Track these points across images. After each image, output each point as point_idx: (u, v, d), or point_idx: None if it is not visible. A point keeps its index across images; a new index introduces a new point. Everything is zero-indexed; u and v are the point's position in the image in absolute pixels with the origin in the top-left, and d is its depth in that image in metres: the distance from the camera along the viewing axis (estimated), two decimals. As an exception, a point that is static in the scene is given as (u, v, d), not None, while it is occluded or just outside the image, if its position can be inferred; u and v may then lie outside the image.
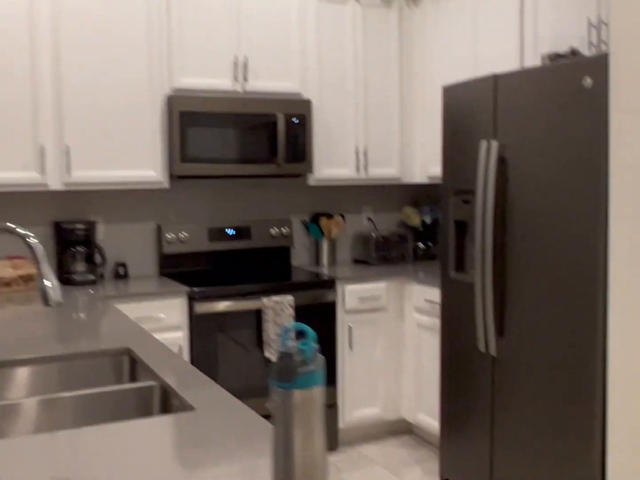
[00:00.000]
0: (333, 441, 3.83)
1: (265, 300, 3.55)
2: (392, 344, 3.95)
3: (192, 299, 3.46)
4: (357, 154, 4.13)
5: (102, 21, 3.50)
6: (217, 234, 4.06)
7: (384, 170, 4.22)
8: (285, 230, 4.22)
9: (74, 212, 3.81)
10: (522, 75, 2.79)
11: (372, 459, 3.71)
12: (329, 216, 4.38)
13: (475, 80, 3.04)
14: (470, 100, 3.08)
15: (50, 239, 3.76)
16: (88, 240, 3.71)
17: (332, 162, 4.07)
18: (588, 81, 2.48)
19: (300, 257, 4.38)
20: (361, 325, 3.86)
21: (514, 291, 2.85)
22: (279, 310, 3.57)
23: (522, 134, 2.78)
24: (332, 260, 4.31)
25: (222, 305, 3.49)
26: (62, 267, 3.67)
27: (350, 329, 3.82)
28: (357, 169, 4.13)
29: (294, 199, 4.35)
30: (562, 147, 2.60)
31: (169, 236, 3.93)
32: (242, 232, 4.12)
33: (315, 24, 3.97)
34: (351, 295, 3.81)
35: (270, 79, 3.87)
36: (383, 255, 4.31)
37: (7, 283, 3.42)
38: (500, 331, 2.93)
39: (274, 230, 4.19)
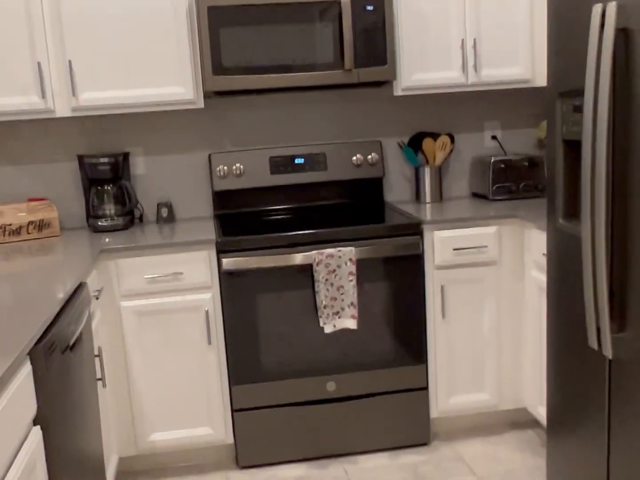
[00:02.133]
0: (423, 434, 2.92)
1: (315, 254, 2.67)
2: (507, 309, 2.89)
3: (220, 252, 2.69)
4: (463, 49, 3.00)
5: None
6: (282, 164, 3.20)
7: (504, 70, 3.05)
8: (372, 157, 3.25)
9: (107, 143, 3.17)
10: None
11: (469, 465, 2.75)
12: (435, 136, 3.32)
13: None
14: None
15: (76, 176, 3.17)
16: (118, 177, 3.06)
17: (427, 63, 3.00)
18: None
19: (397, 191, 3.40)
20: (459, 286, 2.84)
21: (643, 257, 1.70)
22: (334, 266, 2.67)
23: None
24: (438, 195, 3.28)
25: (256, 260, 2.68)
26: (89, 210, 3.07)
27: (442, 290, 2.82)
28: (464, 70, 3.01)
29: (384, 115, 3.33)
30: None
31: (222, 169, 3.16)
32: (314, 161, 3.23)
33: None
34: (444, 244, 2.80)
35: (334, -46, 2.86)
36: (507, 187, 3.19)
37: (16, 231, 2.88)
38: (619, 323, 1.81)
39: (357, 157, 3.24)
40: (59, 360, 1.75)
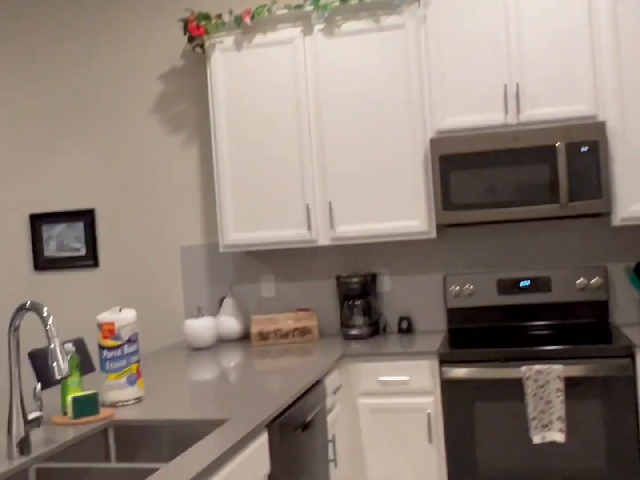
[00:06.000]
0: None
1: (524, 370, 2.97)
2: None
3: (442, 362, 3.12)
4: (682, 181, 3.16)
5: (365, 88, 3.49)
6: (508, 286, 3.57)
7: None
8: (596, 281, 3.46)
9: (362, 265, 3.83)
10: None
11: None
12: (663, 262, 3.43)
13: None
14: None
15: (334, 292, 3.85)
16: (366, 293, 3.68)
17: (646, 195, 3.20)
18: None
19: (626, 314, 3.53)
20: (675, 410, 2.91)
21: None
22: (543, 382, 2.94)
23: None
24: (665, 319, 3.36)
25: (472, 372, 3.05)
26: (342, 320, 3.71)
27: (656, 413, 2.91)
28: (685, 201, 3.16)
29: (608, 242, 3.54)
30: None
31: (454, 288, 3.62)
32: (539, 284, 3.53)
33: (612, 28, 3.22)
34: (655, 368, 2.91)
35: (552, 104, 3.27)
36: None
37: (284, 335, 3.62)
38: None
39: (581, 281, 3.48)
40: (292, 436, 2.33)
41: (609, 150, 3.21)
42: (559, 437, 2.93)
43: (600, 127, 3.16)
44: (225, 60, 3.63)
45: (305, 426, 2.48)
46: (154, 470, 1.73)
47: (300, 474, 2.41)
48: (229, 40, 3.62)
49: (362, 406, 3.21)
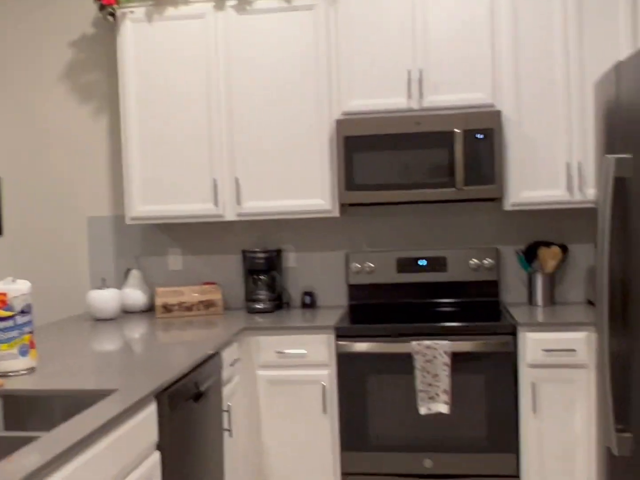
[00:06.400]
0: (514, 520, 3.18)
1: (414, 344, 3.13)
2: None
3: (338, 337, 3.25)
4: (568, 171, 3.36)
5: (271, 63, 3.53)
6: (407, 264, 3.72)
7: (609, 189, 3.34)
8: (488, 262, 3.65)
9: (269, 241, 3.90)
10: (645, 60, 1.94)
11: None
12: (550, 245, 3.65)
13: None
14: (614, 95, 2.25)
15: (241, 266, 3.92)
16: (271, 268, 3.76)
17: (536, 182, 3.39)
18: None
19: (515, 294, 3.74)
20: (550, 384, 3.12)
21: (643, 368, 1.98)
22: (430, 356, 3.11)
23: (647, 143, 1.93)
24: (549, 299, 3.57)
25: (366, 346, 3.19)
26: (247, 294, 3.79)
27: (533, 387, 3.12)
28: (570, 189, 3.36)
29: (503, 225, 3.74)
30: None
31: (356, 266, 3.75)
32: (436, 263, 3.70)
33: (510, 19, 3.36)
34: (534, 345, 3.11)
35: (452, 92, 3.41)
36: (616, 296, 3.41)
37: (189, 307, 3.67)
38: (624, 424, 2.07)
39: (474, 262, 3.66)
40: (183, 407, 2.40)
41: (503, 138, 3.38)
42: (443, 408, 3.10)
43: (496, 115, 3.32)
44: (135, 31, 3.61)
45: (198, 397, 2.55)
46: (35, 438, 1.78)
47: (191, 443, 2.49)
48: (140, 11, 3.59)
49: (260, 377, 3.31)
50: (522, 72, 3.37)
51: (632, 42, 3.28)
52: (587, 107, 3.33)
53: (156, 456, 2.19)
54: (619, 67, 2.16)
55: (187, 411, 2.46)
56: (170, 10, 3.58)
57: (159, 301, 3.65)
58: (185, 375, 2.47)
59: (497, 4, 3.38)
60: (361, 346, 3.21)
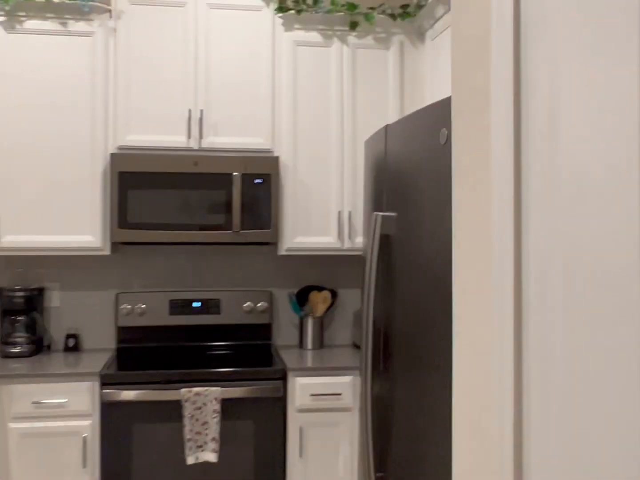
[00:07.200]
0: None
1: (184, 392, 3.03)
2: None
3: (103, 384, 3.05)
4: (340, 220, 3.50)
5: (42, 83, 3.29)
6: (180, 306, 3.62)
7: (376, 239, 3.53)
8: (262, 304, 3.67)
9: (32, 278, 3.60)
10: (406, 121, 2.07)
11: None
12: (321, 290, 3.76)
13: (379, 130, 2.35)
14: (375, 154, 2.38)
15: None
16: (32, 308, 3.46)
17: (309, 228, 3.48)
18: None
19: (287, 337, 3.80)
20: (317, 428, 3.18)
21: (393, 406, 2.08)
22: (200, 403, 3.03)
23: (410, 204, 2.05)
24: (318, 343, 3.67)
25: (133, 394, 3.03)
26: (2, 337, 3.45)
27: (301, 431, 3.16)
28: (340, 237, 3.50)
29: (276, 269, 3.80)
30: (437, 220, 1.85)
31: (126, 307, 3.57)
32: (210, 305, 3.65)
33: (291, 71, 3.46)
34: (302, 390, 3.16)
35: (233, 135, 3.42)
36: (379, 340, 3.58)
37: None
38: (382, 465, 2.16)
39: (248, 304, 3.66)
40: None
41: (280, 184, 3.44)
42: (211, 457, 3.03)
43: (274, 161, 3.38)
44: None
45: None
46: None
47: None
48: None
49: (12, 431, 3.00)
50: (300, 124, 3.47)
51: (399, 111, 3.53)
52: (358, 162, 3.51)
53: None
54: (387, 129, 2.29)
55: None
56: None
57: None
58: None
59: (279, 52, 3.46)
60: (128, 394, 3.04)
